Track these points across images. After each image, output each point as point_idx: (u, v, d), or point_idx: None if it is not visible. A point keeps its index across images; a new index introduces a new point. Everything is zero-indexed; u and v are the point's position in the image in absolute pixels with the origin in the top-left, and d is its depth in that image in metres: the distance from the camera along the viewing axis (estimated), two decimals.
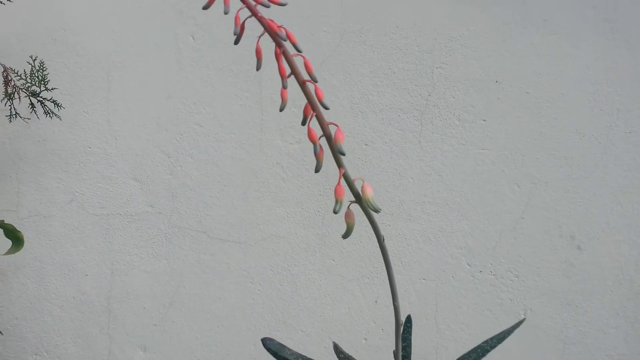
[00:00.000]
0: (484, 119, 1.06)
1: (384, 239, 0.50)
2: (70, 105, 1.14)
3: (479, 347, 0.58)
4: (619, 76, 1.03)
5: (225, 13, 0.40)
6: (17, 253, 1.14)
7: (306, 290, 1.11)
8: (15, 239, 0.87)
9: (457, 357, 0.59)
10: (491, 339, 0.58)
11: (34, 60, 0.96)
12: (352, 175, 1.07)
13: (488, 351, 0.57)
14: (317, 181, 1.11)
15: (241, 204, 1.13)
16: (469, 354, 0.58)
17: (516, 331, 1.02)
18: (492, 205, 1.07)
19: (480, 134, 1.06)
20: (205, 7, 0.39)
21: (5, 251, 0.90)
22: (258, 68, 0.42)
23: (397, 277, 1.09)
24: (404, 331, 0.60)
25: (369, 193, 0.46)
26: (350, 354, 0.55)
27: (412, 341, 0.60)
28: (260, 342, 0.58)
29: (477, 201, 1.07)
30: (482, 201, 1.07)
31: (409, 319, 0.61)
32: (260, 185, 1.12)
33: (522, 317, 1.06)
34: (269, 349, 0.58)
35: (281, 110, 0.42)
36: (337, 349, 0.53)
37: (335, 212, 0.44)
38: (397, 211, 1.09)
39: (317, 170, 0.44)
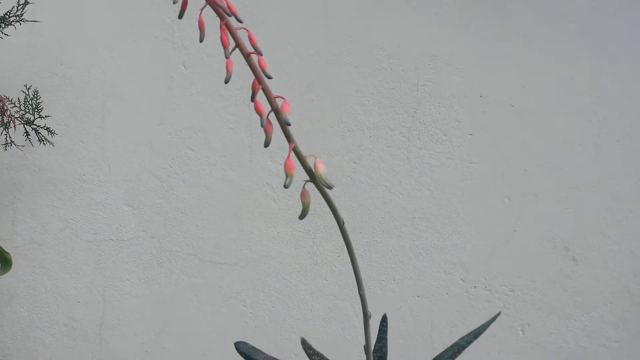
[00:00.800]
0: (470, 133, 1.07)
1: (344, 222, 0.49)
2: (66, 134, 1.17)
3: (455, 344, 0.56)
4: (603, 86, 1.03)
5: (174, 3, 0.41)
6: (12, 281, 1.15)
7: (298, 312, 1.09)
8: (4, 260, 0.87)
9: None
10: (467, 335, 0.57)
11: (28, 88, 1.00)
12: (343, 193, 1.08)
13: (464, 347, 0.56)
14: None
15: (232, 225, 1.13)
16: (445, 351, 0.56)
17: (514, 348, 0.98)
18: (484, 219, 1.06)
19: (467, 148, 1.07)
20: (175, 0, 0.41)
21: None
22: (201, 40, 0.44)
23: (389, 295, 1.07)
24: (380, 330, 0.59)
25: (322, 169, 0.46)
26: (319, 351, 0.53)
27: None
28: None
29: (468, 215, 1.06)
30: (473, 215, 1.06)
31: (384, 319, 0.59)
32: (251, 206, 1.13)
33: (520, 333, 1.03)
34: (241, 353, 0.57)
35: (226, 82, 0.43)
36: (305, 344, 0.52)
37: (285, 186, 0.44)
38: (388, 227, 1.08)
39: (266, 144, 0.45)
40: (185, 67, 1.17)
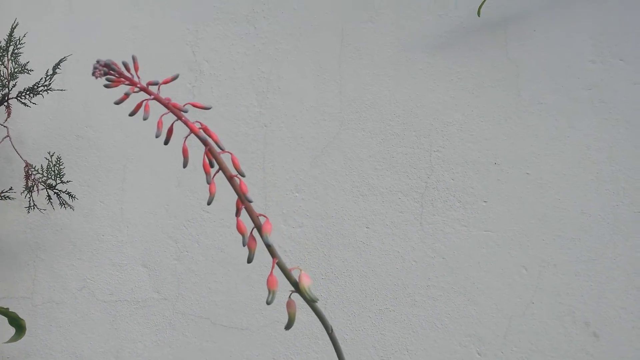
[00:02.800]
0: (485, 201, 1.05)
1: (332, 330, 0.48)
2: (87, 195, 1.21)
3: None
4: (621, 154, 1.01)
5: (145, 119, 0.43)
6: (29, 340, 1.16)
7: None
8: (18, 327, 0.89)
9: None
10: None
11: (52, 155, 1.04)
12: (355, 258, 1.07)
13: None
14: (319, 265, 1.10)
15: (244, 288, 1.13)
16: None
17: None
18: (500, 290, 1.03)
19: (482, 216, 1.05)
20: (131, 114, 0.43)
21: (8, 339, 0.92)
22: (184, 165, 0.45)
23: None
24: None
25: (306, 283, 0.46)
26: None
27: None
28: None
29: (484, 285, 1.03)
30: (489, 285, 1.03)
31: None
32: (263, 269, 1.13)
33: None
34: None
35: (208, 203, 0.44)
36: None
37: (267, 302, 0.44)
38: (401, 295, 1.06)
39: (248, 260, 0.45)
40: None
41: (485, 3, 1.06)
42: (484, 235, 1.04)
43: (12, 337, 0.90)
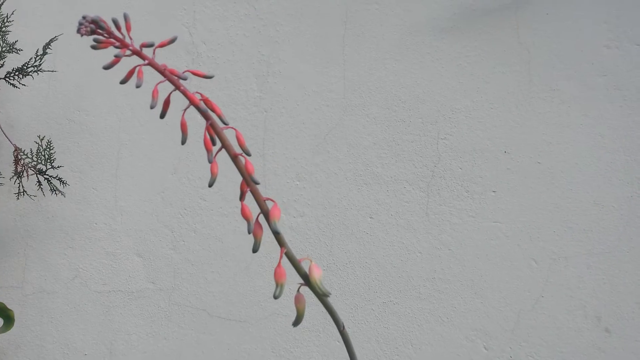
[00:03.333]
0: (494, 190, 1.01)
1: (344, 326, 0.44)
2: (80, 182, 1.16)
3: None
4: (636, 144, 0.97)
5: (137, 86, 0.39)
6: (20, 331, 1.12)
7: None
8: (7, 317, 0.85)
9: None
10: None
11: (42, 139, 0.99)
12: (359, 249, 1.03)
13: None
14: (321, 256, 1.06)
15: (243, 279, 1.09)
16: None
17: None
18: (508, 283, 0.99)
19: (491, 206, 1.01)
20: (122, 82, 0.38)
21: None
22: (183, 142, 0.40)
23: None
24: None
25: (317, 275, 0.42)
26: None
27: None
28: None
29: (492, 278, 1.00)
30: (497, 278, 0.99)
31: None
32: (263, 260, 1.09)
33: None
34: None
35: (210, 185, 0.40)
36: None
37: (275, 297, 0.40)
38: (405, 288, 1.02)
39: (254, 249, 0.41)
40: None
41: None
42: (493, 227, 1.01)
43: (0, 328, 0.85)
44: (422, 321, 1.01)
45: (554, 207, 0.99)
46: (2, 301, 1.07)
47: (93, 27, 0.37)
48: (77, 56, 1.18)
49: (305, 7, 1.12)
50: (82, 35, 0.36)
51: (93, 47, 0.37)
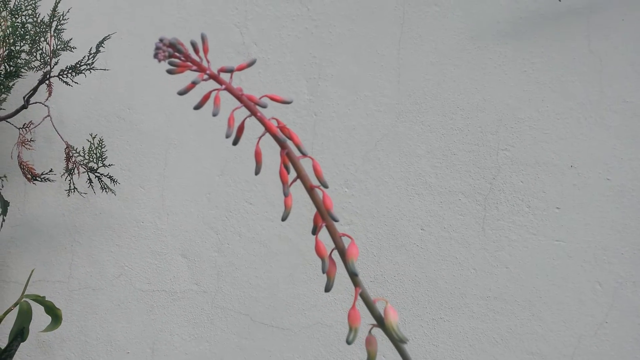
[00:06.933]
0: (558, 207, 0.95)
1: None
2: (128, 180, 1.16)
3: None
4: None
5: (214, 115, 0.36)
6: (66, 325, 1.13)
7: None
8: (55, 316, 0.85)
9: None
10: None
11: (94, 137, 0.99)
12: (408, 262, 0.99)
13: None
14: (368, 267, 1.03)
15: (287, 286, 1.07)
16: None
17: None
18: (569, 306, 0.93)
19: (553, 224, 0.95)
20: (197, 107, 0.36)
21: (44, 328, 0.88)
22: (257, 172, 0.37)
23: None
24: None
25: (394, 318, 0.38)
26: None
27: None
28: None
29: (552, 300, 0.94)
30: (558, 300, 0.94)
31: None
32: (308, 268, 1.06)
33: None
34: None
35: (283, 219, 0.36)
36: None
37: (348, 342, 0.36)
38: (457, 305, 0.98)
39: (326, 289, 0.38)
40: (250, 118, 1.13)
41: None
42: (555, 245, 0.95)
43: (48, 326, 0.86)
44: (474, 341, 0.96)
45: (623, 227, 0.92)
46: (49, 296, 1.09)
47: (171, 51, 0.34)
48: (128, 54, 1.18)
49: (360, 7, 1.08)
50: (159, 61, 0.34)
51: (169, 72, 0.34)
